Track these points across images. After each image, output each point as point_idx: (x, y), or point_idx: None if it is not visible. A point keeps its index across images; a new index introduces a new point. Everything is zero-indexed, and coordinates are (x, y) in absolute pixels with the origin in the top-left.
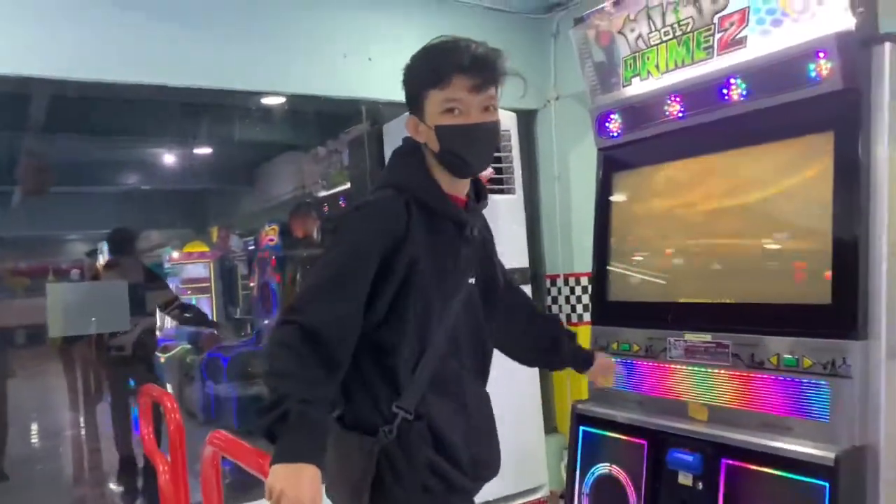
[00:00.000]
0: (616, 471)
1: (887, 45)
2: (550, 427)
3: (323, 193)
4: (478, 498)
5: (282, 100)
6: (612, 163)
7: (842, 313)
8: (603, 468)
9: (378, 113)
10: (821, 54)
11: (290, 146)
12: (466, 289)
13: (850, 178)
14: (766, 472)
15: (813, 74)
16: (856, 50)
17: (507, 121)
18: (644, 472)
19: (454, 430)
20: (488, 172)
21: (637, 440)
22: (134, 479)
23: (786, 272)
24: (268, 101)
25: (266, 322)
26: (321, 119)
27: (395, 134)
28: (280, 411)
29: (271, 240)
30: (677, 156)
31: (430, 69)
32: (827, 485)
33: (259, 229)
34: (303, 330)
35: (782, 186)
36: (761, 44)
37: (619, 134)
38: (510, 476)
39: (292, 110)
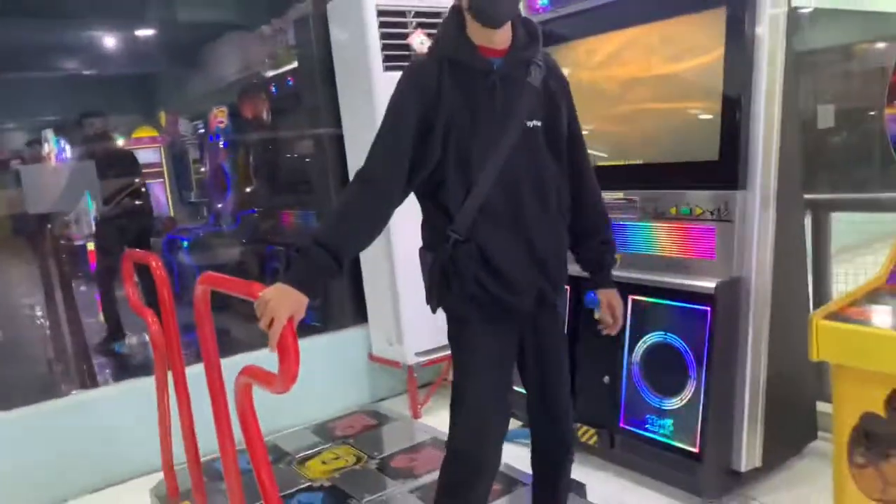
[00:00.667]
0: None
1: None
2: None
3: (270, 73)
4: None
5: None
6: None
7: (727, 169)
8: None
9: None
10: None
11: (234, 26)
12: (519, 131)
13: (737, 51)
14: (662, 304)
15: None
16: None
17: None
18: (567, 312)
19: (505, 256)
20: None
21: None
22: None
23: (682, 135)
24: None
25: (220, 205)
26: None
27: (339, 12)
28: (302, 244)
29: (221, 122)
30: (596, 31)
31: None
32: (709, 309)
33: (208, 112)
34: (360, 179)
35: (681, 59)
36: None
37: (546, 8)
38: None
39: None
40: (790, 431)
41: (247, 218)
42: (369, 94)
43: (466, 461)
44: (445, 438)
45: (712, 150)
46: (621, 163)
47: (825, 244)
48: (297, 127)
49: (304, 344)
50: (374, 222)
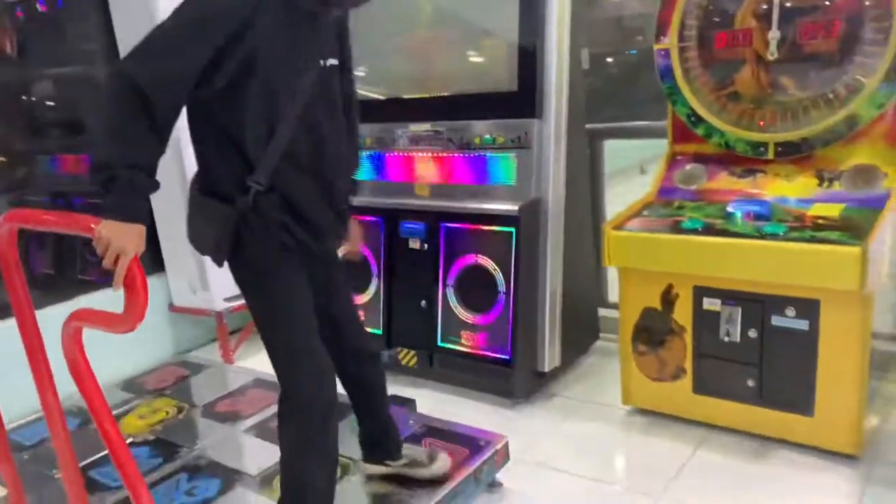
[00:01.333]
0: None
1: None
2: None
3: None
4: None
5: None
6: None
7: (525, 99)
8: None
9: None
10: None
11: None
12: (319, 70)
13: None
14: (473, 228)
15: None
16: None
17: None
18: (381, 244)
19: (311, 204)
20: None
21: (374, 218)
22: None
23: (485, 69)
24: None
25: None
26: None
27: None
28: (107, 175)
29: None
30: None
31: None
32: (513, 230)
33: None
34: (134, 86)
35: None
36: None
37: None
38: None
39: None
40: (579, 335)
41: None
42: (152, 15)
43: (322, 405)
44: (267, 378)
45: (512, 83)
46: (426, 95)
47: (600, 167)
48: (59, 59)
49: (98, 298)
50: (163, 125)
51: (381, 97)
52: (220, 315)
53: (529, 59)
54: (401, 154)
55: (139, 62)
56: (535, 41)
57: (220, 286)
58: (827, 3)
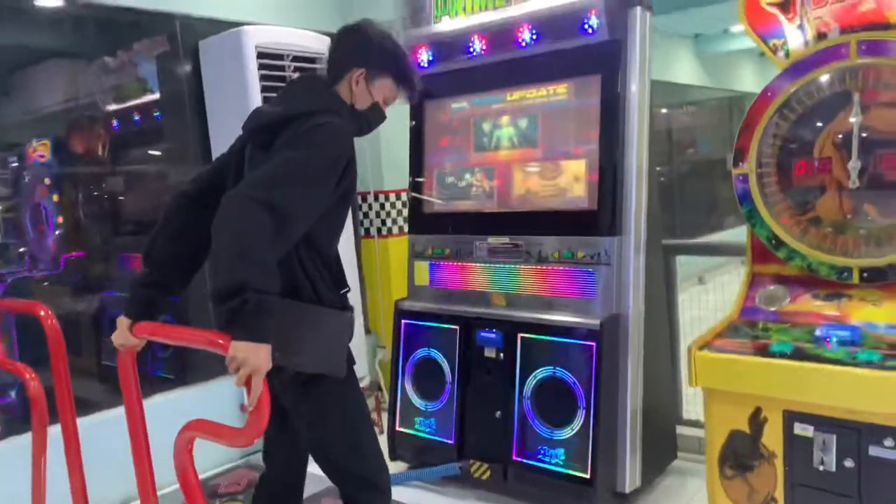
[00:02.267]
0: (435, 353)
1: (638, 9)
2: (365, 328)
3: (113, 107)
4: None
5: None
6: (424, 91)
7: (603, 217)
8: (422, 352)
9: (189, 28)
10: (592, 11)
11: (59, 53)
12: None
13: (612, 112)
14: (552, 340)
15: (587, 27)
16: (617, 10)
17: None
18: (457, 351)
19: None
20: None
21: (451, 326)
22: None
23: (564, 186)
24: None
25: (40, 245)
26: (99, 25)
27: (213, 51)
28: (240, 300)
29: (41, 156)
30: (480, 88)
31: (404, 71)
32: (595, 343)
33: (22, 144)
34: (273, 213)
35: (562, 119)
36: None
37: (429, 65)
38: None
39: (64, 14)
40: (658, 453)
41: (74, 261)
42: None
43: (387, 488)
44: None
45: (591, 201)
46: (506, 210)
47: (673, 282)
48: (151, 163)
49: (173, 397)
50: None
51: (459, 211)
52: None
53: (610, 179)
54: (478, 265)
55: (280, 193)
56: (616, 161)
57: None
58: None
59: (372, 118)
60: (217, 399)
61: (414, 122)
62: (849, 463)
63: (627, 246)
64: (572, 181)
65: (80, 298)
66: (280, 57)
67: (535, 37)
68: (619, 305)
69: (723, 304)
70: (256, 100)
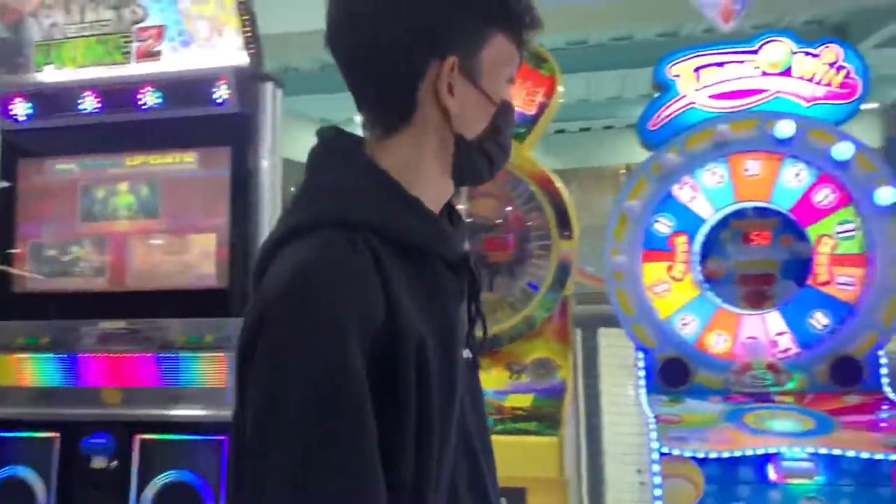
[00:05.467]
0: (24, 471)
1: (270, 84)
2: None
3: None
4: None
5: None
6: (18, 148)
7: (235, 296)
8: (5, 472)
9: None
10: (222, 81)
11: None
12: (464, 370)
13: (244, 185)
14: (178, 439)
15: (216, 97)
16: (248, 82)
17: None
18: (55, 465)
19: None
20: None
21: (48, 434)
22: None
23: (191, 262)
24: None
25: None
26: None
27: None
28: None
29: None
30: (93, 150)
31: (510, 7)
32: (226, 438)
33: None
34: None
35: (189, 189)
36: (174, 60)
37: (27, 119)
38: None
39: None
40: None
41: None
42: None
43: None
44: None
45: (221, 278)
46: (121, 290)
47: None
48: None
49: None
50: None
51: (63, 291)
52: None
53: (241, 255)
54: (86, 355)
55: None
56: (248, 236)
57: None
58: (500, 221)
59: (499, 143)
60: None
61: (6, 184)
62: None
63: None
64: (200, 257)
65: None
66: None
67: (159, 100)
68: None
69: None
70: None
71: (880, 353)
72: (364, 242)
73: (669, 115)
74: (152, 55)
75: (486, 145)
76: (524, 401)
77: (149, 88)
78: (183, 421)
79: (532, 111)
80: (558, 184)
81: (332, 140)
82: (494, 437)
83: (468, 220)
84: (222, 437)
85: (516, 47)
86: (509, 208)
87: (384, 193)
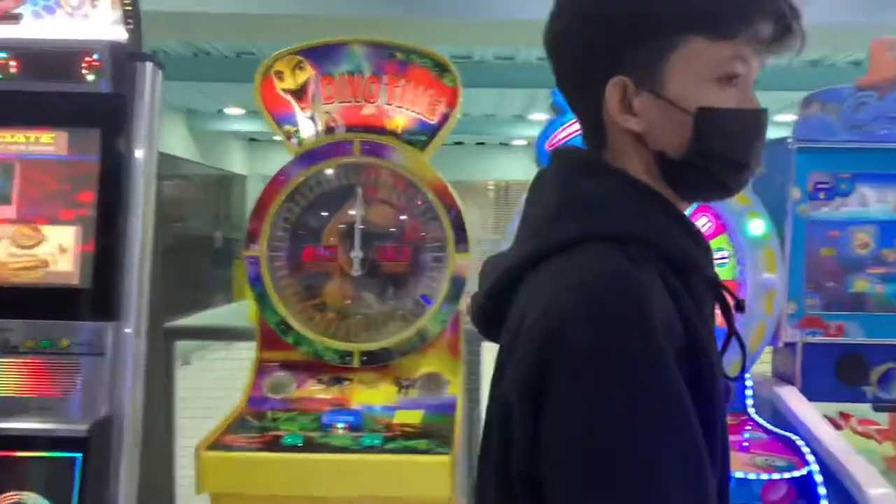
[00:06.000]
0: None
1: (149, 65)
2: None
3: None
4: None
5: None
6: None
7: (99, 296)
8: None
9: None
10: (93, 56)
11: None
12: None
13: (114, 174)
14: (19, 456)
15: (85, 73)
16: (124, 61)
17: None
18: None
19: None
20: None
21: None
22: None
23: (46, 258)
24: None
25: None
26: None
27: None
28: None
29: None
30: None
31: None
32: (79, 455)
33: None
34: None
35: (48, 174)
36: (35, 26)
37: None
38: None
39: None
40: None
41: None
42: None
43: None
44: None
45: (84, 277)
46: None
47: (172, 372)
48: None
49: None
50: None
51: None
52: None
53: (108, 251)
54: None
55: None
56: (118, 231)
57: None
58: (394, 230)
59: (711, 154)
60: None
61: None
62: None
63: (127, 331)
64: (57, 251)
65: None
66: None
67: (16, 69)
68: (114, 405)
69: (218, 384)
70: None
71: (746, 375)
72: (641, 256)
73: (565, 137)
74: (9, 17)
75: (692, 158)
76: (414, 417)
77: (3, 54)
78: (29, 435)
79: (434, 120)
80: (455, 196)
81: (574, 154)
82: (383, 457)
83: (360, 227)
84: (76, 455)
85: (724, 43)
86: (405, 217)
87: (649, 206)
